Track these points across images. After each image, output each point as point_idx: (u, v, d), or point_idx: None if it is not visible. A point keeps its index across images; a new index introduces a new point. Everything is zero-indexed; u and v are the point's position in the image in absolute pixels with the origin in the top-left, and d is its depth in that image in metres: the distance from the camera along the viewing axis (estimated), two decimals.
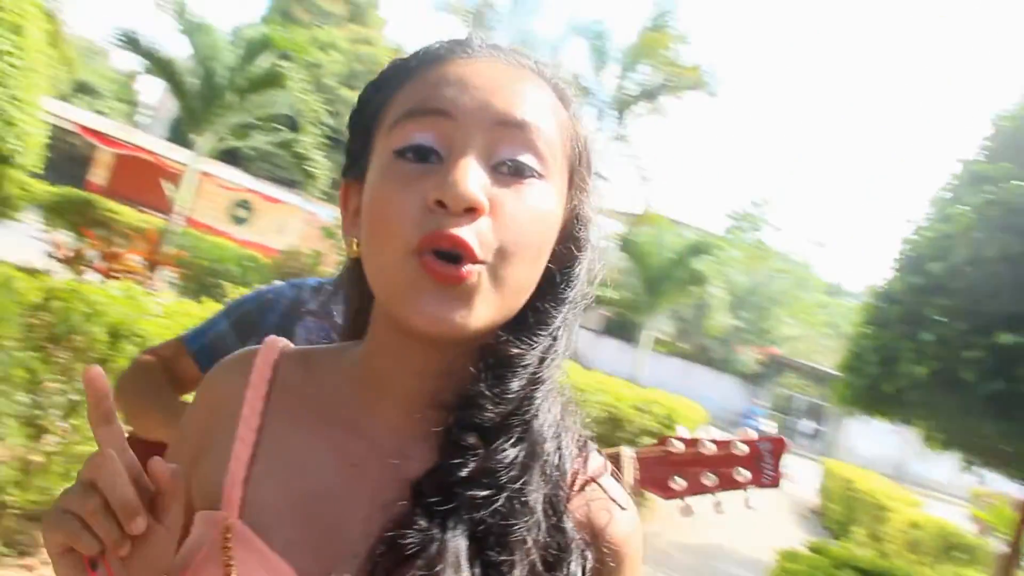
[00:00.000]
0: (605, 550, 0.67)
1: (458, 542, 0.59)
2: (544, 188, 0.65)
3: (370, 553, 0.61)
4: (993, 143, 5.17)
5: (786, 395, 31.56)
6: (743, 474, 1.18)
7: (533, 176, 0.64)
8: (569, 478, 0.67)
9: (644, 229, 20.96)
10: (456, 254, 0.60)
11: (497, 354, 0.65)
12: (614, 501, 0.68)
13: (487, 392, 0.63)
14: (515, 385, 0.64)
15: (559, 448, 0.66)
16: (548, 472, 0.65)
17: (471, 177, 0.61)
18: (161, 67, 13.70)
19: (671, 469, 1.20)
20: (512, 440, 0.63)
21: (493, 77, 0.66)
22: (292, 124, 22.91)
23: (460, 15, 20.77)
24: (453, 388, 0.65)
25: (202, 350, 1.64)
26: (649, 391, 7.84)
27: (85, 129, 21.80)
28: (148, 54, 13.55)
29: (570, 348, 0.70)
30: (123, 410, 1.55)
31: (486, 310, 0.62)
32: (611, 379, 7.71)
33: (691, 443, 1.20)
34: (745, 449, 1.19)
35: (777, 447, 1.21)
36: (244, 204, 25.73)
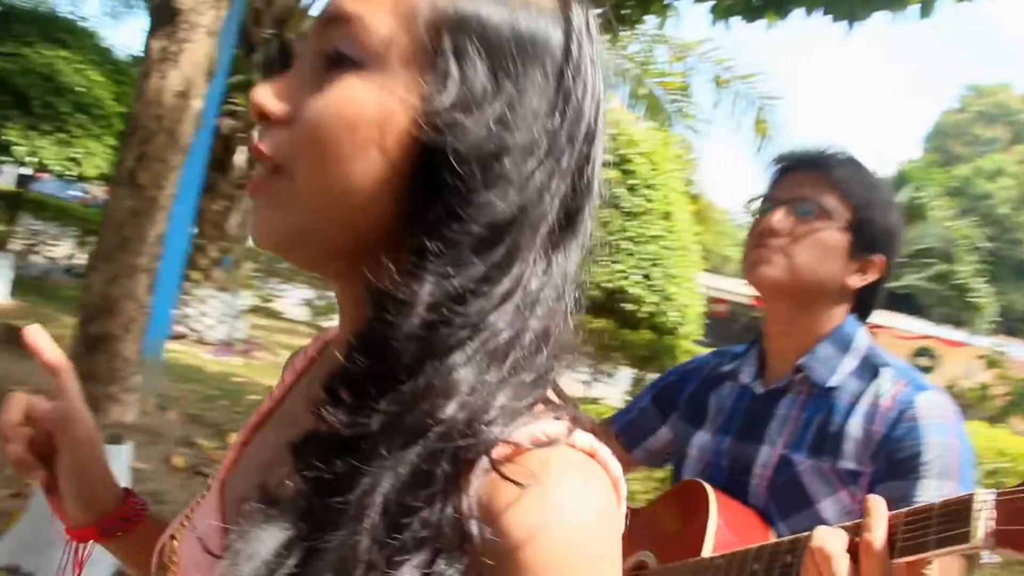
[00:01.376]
0: (489, 540, 0.48)
1: (273, 519, 0.52)
2: (357, 81, 0.56)
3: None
4: None
5: None
6: None
7: (347, 68, 0.56)
8: (489, 448, 0.50)
9: None
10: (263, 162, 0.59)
11: (372, 291, 0.55)
12: (516, 479, 0.49)
13: (359, 338, 0.54)
14: (400, 331, 0.52)
15: (471, 413, 0.51)
16: (439, 441, 0.50)
17: (262, 86, 0.59)
18: None
19: None
20: (382, 400, 0.51)
21: None
22: (947, 257, 21.13)
23: None
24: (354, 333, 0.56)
25: (623, 429, 1.62)
26: None
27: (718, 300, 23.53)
28: None
29: (528, 288, 0.54)
30: None
31: (284, 216, 0.58)
32: None
33: None
34: None
35: None
36: (925, 352, 24.05)
